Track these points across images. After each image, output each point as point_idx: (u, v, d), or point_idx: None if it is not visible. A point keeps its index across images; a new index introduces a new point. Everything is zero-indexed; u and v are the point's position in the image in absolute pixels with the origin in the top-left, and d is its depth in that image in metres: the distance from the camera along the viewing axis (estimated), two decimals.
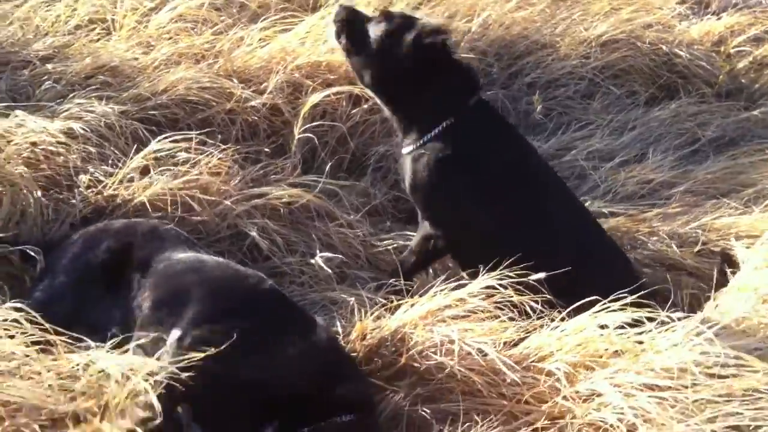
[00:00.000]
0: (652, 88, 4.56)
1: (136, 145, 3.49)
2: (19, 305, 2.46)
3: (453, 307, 2.85)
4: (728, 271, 3.22)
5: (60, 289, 2.78)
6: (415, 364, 2.76)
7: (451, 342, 2.69)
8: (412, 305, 2.88)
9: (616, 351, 2.64)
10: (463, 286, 2.87)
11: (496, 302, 2.81)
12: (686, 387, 2.42)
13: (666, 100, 4.50)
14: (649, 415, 2.36)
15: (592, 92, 4.47)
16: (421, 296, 2.91)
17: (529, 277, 2.80)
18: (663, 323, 2.60)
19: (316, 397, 2.46)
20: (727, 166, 3.96)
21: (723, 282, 3.17)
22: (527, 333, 2.77)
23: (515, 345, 2.77)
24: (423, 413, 2.65)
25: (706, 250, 3.39)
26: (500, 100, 4.30)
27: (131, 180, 3.33)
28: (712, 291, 3.11)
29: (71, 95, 3.64)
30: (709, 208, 3.63)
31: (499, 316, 2.80)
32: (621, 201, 3.82)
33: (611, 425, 2.41)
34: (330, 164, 3.72)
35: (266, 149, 3.72)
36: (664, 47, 4.65)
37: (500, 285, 2.78)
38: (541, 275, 2.80)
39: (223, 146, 3.58)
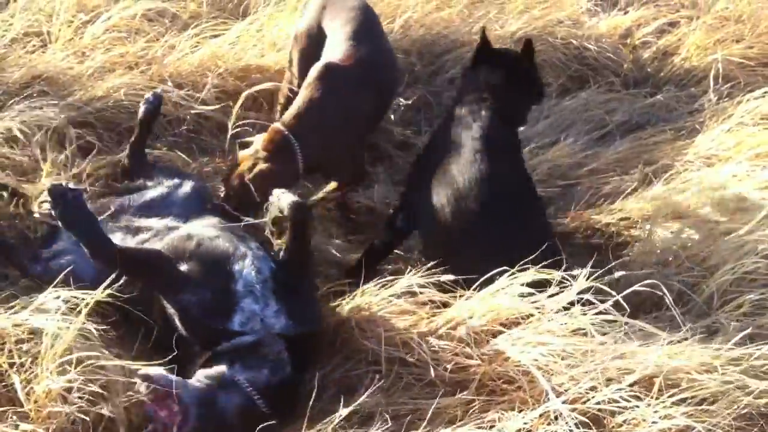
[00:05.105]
0: (563, 80, 4.78)
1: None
2: None
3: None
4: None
5: None
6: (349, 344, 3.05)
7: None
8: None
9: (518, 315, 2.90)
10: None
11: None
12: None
13: (577, 90, 4.73)
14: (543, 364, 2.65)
15: None
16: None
17: (441, 278, 3.05)
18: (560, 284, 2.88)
19: None
20: (632, 147, 4.19)
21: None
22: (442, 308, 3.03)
23: (433, 316, 3.02)
24: (353, 375, 2.93)
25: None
26: (423, 95, 4.55)
27: None
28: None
29: (10, 102, 3.81)
30: (615, 182, 3.92)
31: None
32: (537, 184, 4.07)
33: (512, 376, 2.70)
34: None
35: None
36: (574, 42, 4.87)
37: None
38: (451, 276, 3.06)
39: None
